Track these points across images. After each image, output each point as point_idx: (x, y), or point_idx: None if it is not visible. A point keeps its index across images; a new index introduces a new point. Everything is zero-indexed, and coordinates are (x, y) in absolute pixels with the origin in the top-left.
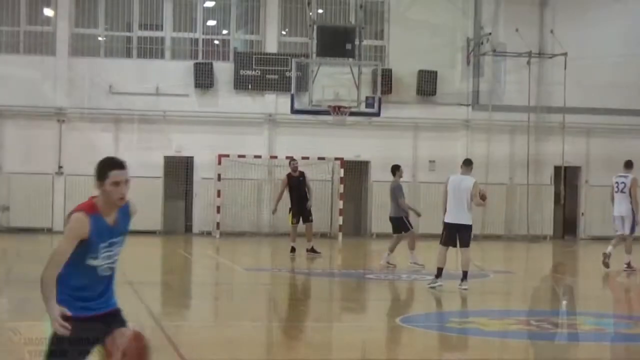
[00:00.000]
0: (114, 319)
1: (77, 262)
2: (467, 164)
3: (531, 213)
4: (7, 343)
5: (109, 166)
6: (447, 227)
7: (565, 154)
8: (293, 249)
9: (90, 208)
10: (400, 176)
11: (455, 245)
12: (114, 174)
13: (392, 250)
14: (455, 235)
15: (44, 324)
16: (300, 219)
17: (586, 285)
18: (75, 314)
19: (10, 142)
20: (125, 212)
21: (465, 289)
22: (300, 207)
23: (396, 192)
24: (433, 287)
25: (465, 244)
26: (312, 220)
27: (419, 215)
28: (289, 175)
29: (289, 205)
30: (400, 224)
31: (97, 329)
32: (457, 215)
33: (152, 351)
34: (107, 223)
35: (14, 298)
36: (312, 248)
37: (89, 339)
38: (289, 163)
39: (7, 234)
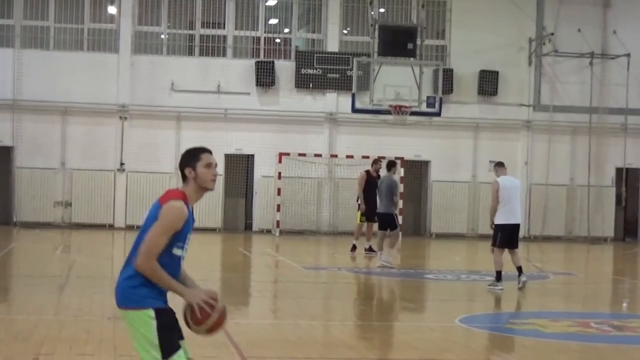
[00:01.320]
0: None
1: (165, 252)
2: (502, 165)
3: (592, 214)
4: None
5: (199, 150)
6: (507, 228)
7: (626, 156)
8: (354, 247)
9: (185, 197)
10: (394, 172)
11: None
12: (206, 156)
13: (381, 248)
14: (512, 236)
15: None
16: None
17: None
18: (165, 306)
19: (73, 138)
20: (193, 214)
21: (525, 280)
22: (372, 207)
23: (393, 188)
24: (494, 290)
25: (517, 245)
26: (376, 221)
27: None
28: (368, 173)
29: (359, 202)
30: (390, 221)
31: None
32: (515, 216)
33: (213, 348)
34: (192, 213)
35: (80, 294)
36: (370, 247)
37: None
38: (373, 163)
39: (69, 230)
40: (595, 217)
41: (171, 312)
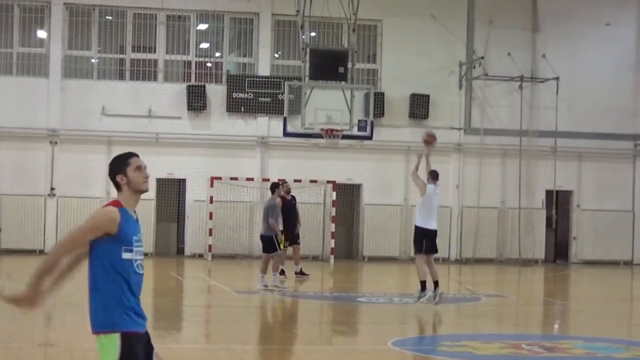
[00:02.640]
0: (149, 340)
1: (114, 259)
2: (436, 176)
3: (523, 237)
4: None
5: (127, 155)
6: (429, 232)
7: (556, 178)
8: (282, 272)
9: (117, 204)
10: (279, 195)
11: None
12: (134, 160)
13: (264, 271)
14: (433, 241)
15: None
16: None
17: (577, 309)
18: (136, 329)
19: (2, 163)
20: (137, 218)
21: (442, 293)
22: (292, 231)
23: (269, 211)
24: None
25: (437, 250)
26: (299, 243)
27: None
28: (282, 198)
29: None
30: (270, 244)
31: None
32: (435, 222)
33: None
34: (133, 217)
35: (10, 320)
36: (301, 270)
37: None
38: (281, 185)
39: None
40: (526, 240)
41: (140, 339)
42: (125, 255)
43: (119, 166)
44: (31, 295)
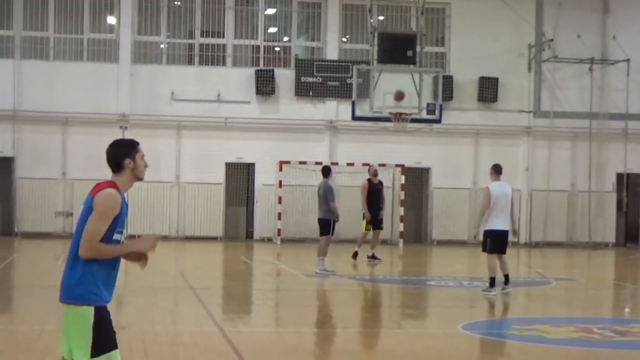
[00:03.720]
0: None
1: (105, 239)
2: (500, 170)
3: (593, 220)
4: None
5: (135, 142)
6: (497, 234)
7: (627, 161)
8: (356, 254)
9: (116, 186)
10: (331, 177)
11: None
12: (140, 148)
13: (325, 254)
14: (502, 242)
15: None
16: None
17: None
18: (105, 305)
19: (73, 148)
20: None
21: (510, 291)
22: (376, 214)
23: (328, 194)
24: (488, 296)
25: (506, 250)
26: (382, 228)
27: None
28: (369, 181)
29: (363, 211)
30: (327, 227)
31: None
32: (505, 223)
33: (215, 356)
34: (125, 201)
35: None
36: (374, 255)
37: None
38: (369, 169)
39: (70, 240)
40: (596, 223)
41: (108, 314)
42: (116, 237)
43: (129, 150)
44: (142, 249)
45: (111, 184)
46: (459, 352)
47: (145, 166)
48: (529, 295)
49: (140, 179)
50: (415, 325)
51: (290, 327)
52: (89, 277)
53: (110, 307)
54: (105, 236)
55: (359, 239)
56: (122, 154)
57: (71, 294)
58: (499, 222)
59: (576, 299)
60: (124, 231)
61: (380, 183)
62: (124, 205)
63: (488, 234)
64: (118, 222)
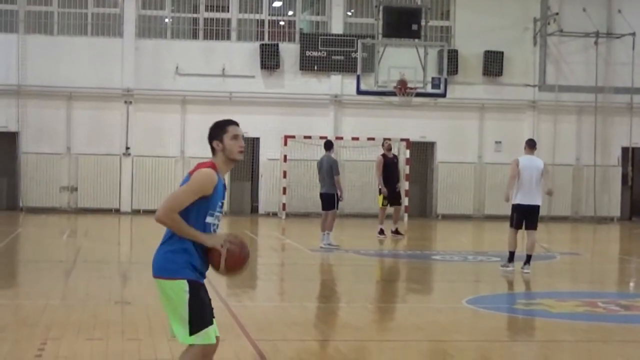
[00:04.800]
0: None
1: (198, 220)
2: (533, 145)
3: (598, 194)
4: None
5: (226, 122)
6: (522, 208)
7: (632, 135)
8: (382, 231)
9: (214, 167)
10: (333, 152)
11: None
12: (233, 128)
13: (331, 229)
14: (528, 217)
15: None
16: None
17: None
18: (200, 280)
19: (78, 123)
20: (224, 184)
21: (528, 273)
22: (392, 189)
23: (332, 168)
24: (505, 271)
25: (535, 226)
26: (401, 204)
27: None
28: (384, 156)
29: (379, 187)
30: (331, 201)
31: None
32: (533, 196)
33: (220, 331)
34: (223, 182)
35: (87, 279)
36: (397, 230)
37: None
38: (383, 143)
39: (75, 214)
40: (601, 197)
41: (205, 289)
42: (208, 219)
43: (217, 131)
44: (212, 244)
45: (210, 164)
46: (463, 327)
47: (240, 147)
48: (534, 270)
49: (233, 160)
50: (419, 300)
51: (295, 302)
52: (182, 252)
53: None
54: (198, 217)
55: (379, 215)
56: (211, 135)
57: (164, 268)
58: (524, 196)
59: (581, 273)
60: (217, 214)
61: (395, 157)
62: (220, 187)
63: (514, 208)
64: (210, 203)
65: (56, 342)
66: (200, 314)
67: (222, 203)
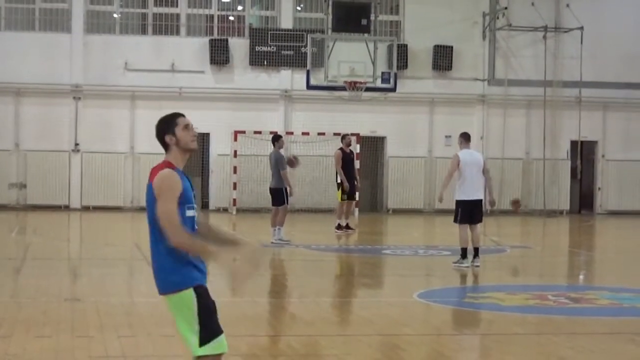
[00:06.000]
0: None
1: (182, 218)
2: (469, 138)
3: (548, 188)
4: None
5: (174, 115)
6: (467, 204)
7: (581, 129)
8: (345, 226)
9: (170, 165)
10: (281, 147)
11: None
12: (182, 120)
13: (275, 224)
14: (473, 211)
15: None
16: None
17: (602, 259)
18: (203, 283)
19: (26, 119)
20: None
21: (478, 266)
22: (351, 184)
23: (278, 163)
24: (460, 268)
25: (481, 218)
26: (355, 198)
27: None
28: (342, 150)
29: (337, 182)
30: (279, 196)
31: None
32: (476, 191)
33: (170, 327)
34: (186, 176)
35: (37, 276)
36: (347, 225)
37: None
38: (342, 138)
39: (24, 211)
40: (551, 190)
41: (209, 294)
42: (189, 213)
43: (168, 126)
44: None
45: (164, 165)
46: (414, 320)
47: (193, 137)
48: (484, 263)
49: (189, 150)
50: (371, 294)
51: (246, 297)
52: (175, 261)
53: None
54: (182, 215)
55: (337, 210)
56: (161, 132)
57: (166, 283)
58: (468, 191)
59: (531, 266)
60: (195, 206)
61: (352, 152)
62: (185, 180)
63: (459, 203)
64: (186, 197)
65: (6, 339)
66: (209, 324)
67: (194, 194)
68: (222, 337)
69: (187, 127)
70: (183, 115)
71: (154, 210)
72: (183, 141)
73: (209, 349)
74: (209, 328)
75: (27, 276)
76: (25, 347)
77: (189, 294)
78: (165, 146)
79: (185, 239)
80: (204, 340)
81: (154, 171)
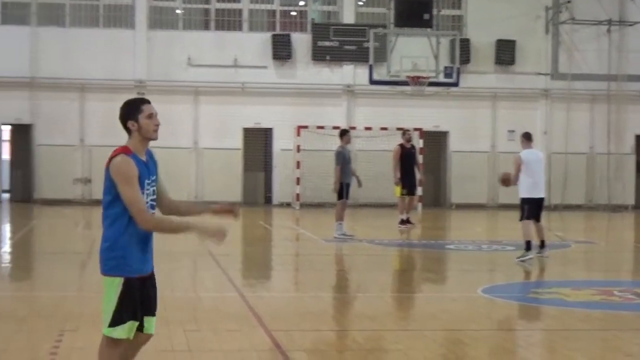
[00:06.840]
0: (152, 283)
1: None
2: (530, 137)
3: (612, 182)
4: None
5: (140, 101)
6: (533, 202)
7: None
8: (404, 221)
9: (125, 150)
10: (347, 142)
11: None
12: (147, 107)
13: (341, 219)
14: (539, 209)
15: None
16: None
17: None
18: (137, 273)
19: (91, 114)
20: (151, 156)
21: (547, 257)
22: (411, 180)
23: (335, 158)
24: (523, 263)
25: (540, 216)
26: (415, 194)
27: (360, 185)
28: (402, 146)
29: (398, 176)
30: (339, 191)
31: (150, 295)
32: (541, 189)
33: (235, 322)
34: (142, 160)
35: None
36: (408, 219)
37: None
38: (403, 134)
39: (89, 206)
40: (615, 185)
41: (141, 286)
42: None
43: (132, 111)
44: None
45: (119, 150)
46: (479, 315)
47: (155, 126)
48: (548, 258)
49: (149, 139)
50: (434, 289)
51: (310, 292)
52: (118, 247)
53: None
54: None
55: (399, 205)
56: (124, 116)
57: (105, 265)
58: (534, 190)
59: (596, 261)
60: (147, 193)
61: (413, 147)
62: (140, 165)
63: (525, 201)
64: (140, 183)
65: (73, 333)
66: (122, 312)
67: (155, 178)
68: (129, 324)
69: (151, 115)
70: (149, 102)
71: (108, 194)
72: (145, 129)
73: (113, 332)
74: (122, 314)
75: (93, 271)
76: (92, 342)
77: (118, 282)
78: (127, 131)
79: (154, 223)
80: (113, 323)
81: (110, 156)
